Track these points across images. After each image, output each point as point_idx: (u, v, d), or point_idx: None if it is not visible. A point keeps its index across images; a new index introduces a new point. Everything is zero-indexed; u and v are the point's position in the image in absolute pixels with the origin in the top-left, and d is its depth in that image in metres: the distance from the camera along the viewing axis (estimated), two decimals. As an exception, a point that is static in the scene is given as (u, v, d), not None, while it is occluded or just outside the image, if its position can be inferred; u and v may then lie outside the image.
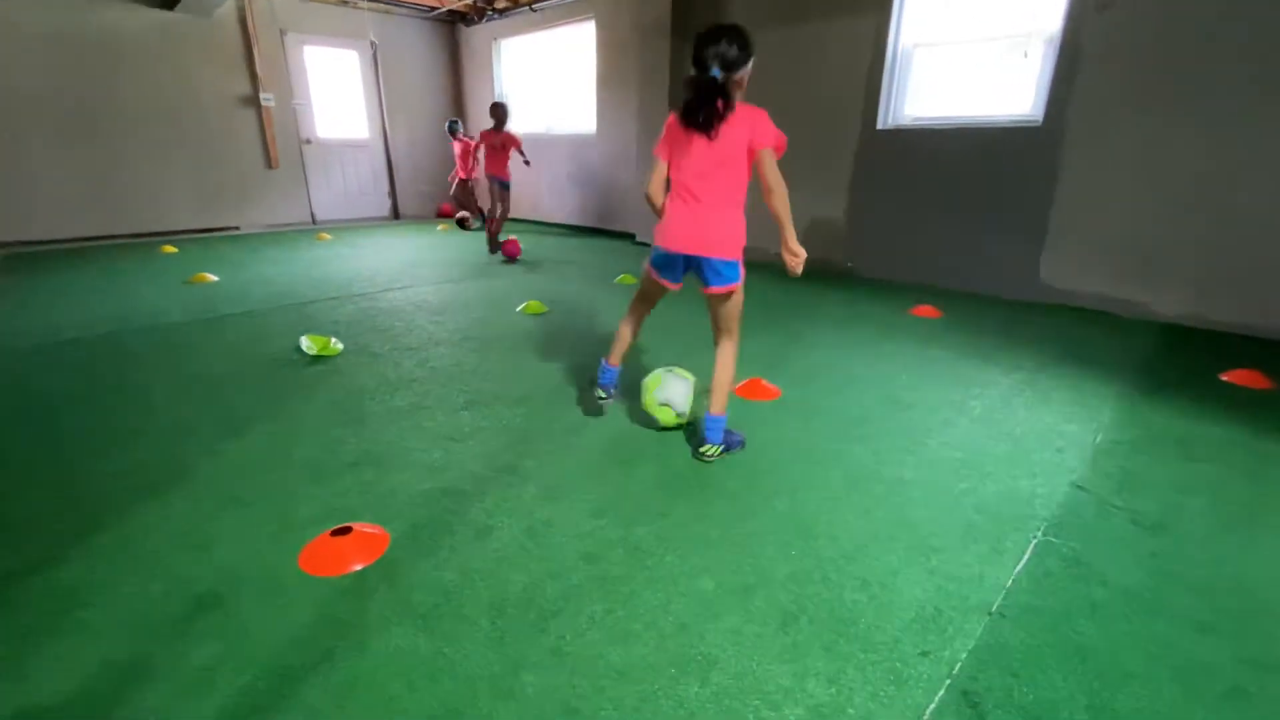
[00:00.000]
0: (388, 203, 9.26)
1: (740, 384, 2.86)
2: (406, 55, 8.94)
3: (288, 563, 1.66)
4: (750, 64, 1.98)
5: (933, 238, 5.05)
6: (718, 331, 2.23)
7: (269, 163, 7.87)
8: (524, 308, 4.26)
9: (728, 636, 1.42)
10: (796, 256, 2.02)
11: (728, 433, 2.25)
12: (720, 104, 1.94)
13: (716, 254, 2.06)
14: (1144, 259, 4.08)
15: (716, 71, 1.90)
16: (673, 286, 2.21)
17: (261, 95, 7.56)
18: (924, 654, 1.38)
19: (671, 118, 2.09)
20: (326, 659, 1.35)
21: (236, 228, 7.82)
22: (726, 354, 2.22)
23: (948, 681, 1.31)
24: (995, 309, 4.38)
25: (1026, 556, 1.72)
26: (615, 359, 2.41)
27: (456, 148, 7.93)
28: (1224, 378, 3.06)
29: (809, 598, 1.55)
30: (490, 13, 8.57)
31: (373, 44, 8.47)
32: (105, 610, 1.48)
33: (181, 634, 1.41)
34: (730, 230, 2.07)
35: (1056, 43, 4.20)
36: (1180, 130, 3.82)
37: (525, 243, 7.04)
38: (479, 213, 8.39)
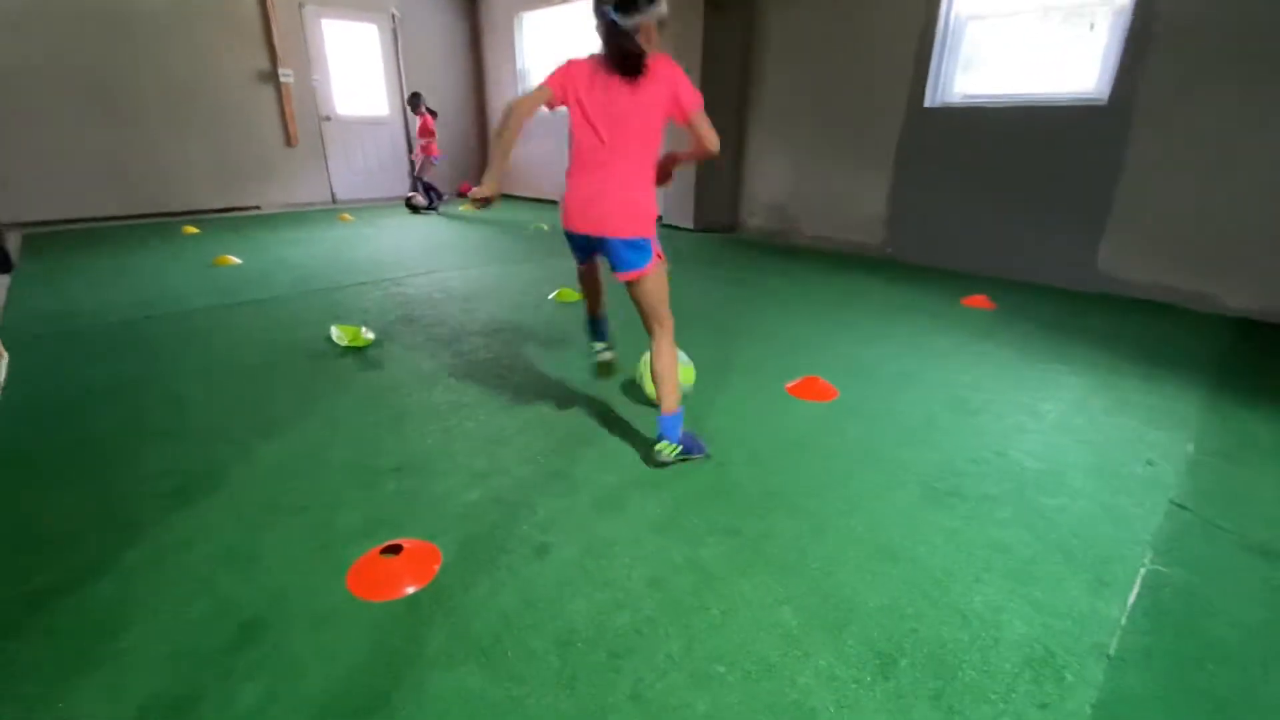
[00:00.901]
0: (408, 181, 9.08)
1: (796, 382, 2.70)
2: (426, 29, 8.69)
3: (335, 584, 1.54)
4: (664, 7, 1.74)
5: (981, 223, 4.81)
6: (644, 321, 2.02)
7: (288, 140, 7.72)
8: (556, 295, 4.11)
9: (822, 681, 1.29)
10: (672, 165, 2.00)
11: (687, 435, 2.04)
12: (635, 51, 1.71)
13: (619, 233, 1.83)
14: (1214, 248, 3.83)
15: (614, 14, 1.67)
16: (581, 267, 2.09)
17: (280, 71, 7.39)
18: (1043, 707, 1.24)
19: (581, 60, 1.81)
20: (384, 703, 1.23)
21: (258, 207, 7.70)
22: (659, 345, 2.00)
23: (1076, 741, 1.17)
24: (1050, 299, 4.16)
25: (1136, 588, 1.57)
26: (594, 309, 2.28)
27: (419, 124, 7.56)
28: (1311, 379, 2.85)
29: (904, 635, 1.41)
30: (512, -17, 8.27)
31: (394, 15, 8.23)
32: (144, 637, 1.38)
33: (227, 669, 1.30)
34: (636, 206, 1.84)
35: (1127, 14, 3.90)
36: (1259, 112, 3.54)
37: (549, 223, 6.87)
38: (438, 194, 7.88)
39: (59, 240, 5.82)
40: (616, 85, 1.77)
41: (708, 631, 1.41)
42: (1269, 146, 3.55)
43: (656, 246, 1.91)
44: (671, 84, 1.78)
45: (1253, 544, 1.74)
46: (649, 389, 2.26)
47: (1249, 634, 1.43)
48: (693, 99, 1.81)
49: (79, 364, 2.91)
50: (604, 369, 2.45)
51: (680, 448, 2.01)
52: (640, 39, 1.73)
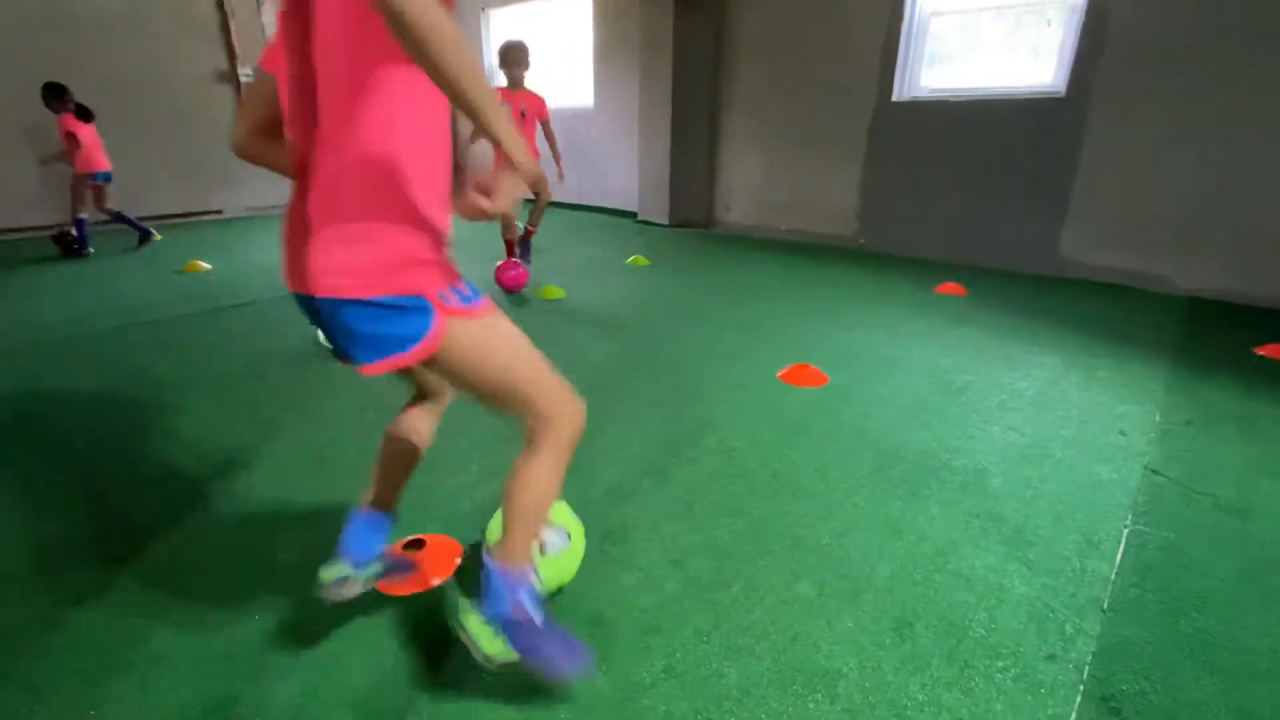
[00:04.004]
0: (375, 182, 8.93)
1: (787, 369, 2.78)
2: (389, 26, 8.54)
3: (358, 580, 1.55)
4: None
5: (950, 213, 4.99)
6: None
7: (250, 142, 7.50)
8: (540, 292, 4.12)
9: (845, 646, 1.36)
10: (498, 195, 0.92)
11: (536, 629, 1.12)
12: None
13: (327, 289, 0.93)
14: (1167, 232, 4.06)
15: None
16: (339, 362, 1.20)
17: (240, 70, 7.18)
18: (1050, 658, 1.33)
19: None
20: (425, 689, 1.25)
21: (220, 211, 7.48)
22: (526, 453, 1.13)
23: (1082, 687, 1.26)
24: (1018, 284, 4.34)
25: (1122, 547, 1.68)
26: (370, 497, 1.35)
27: (60, 127, 5.11)
28: (1259, 352, 3.05)
29: (916, 600, 1.49)
30: (477, -19, 8.18)
31: (354, 15, 8.07)
32: (169, 642, 1.37)
33: (260, 668, 1.30)
34: (364, 232, 0.92)
35: (1081, 11, 4.09)
36: (1208, 101, 3.76)
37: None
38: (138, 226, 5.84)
39: (13, 250, 5.57)
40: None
41: (731, 607, 1.47)
42: (1216, 135, 3.78)
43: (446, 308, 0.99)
44: None
45: (1224, 503, 1.87)
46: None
47: (1227, 584, 1.55)
48: None
49: (56, 378, 2.82)
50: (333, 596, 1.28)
51: (510, 645, 1.11)
52: None
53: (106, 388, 2.68)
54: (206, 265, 4.85)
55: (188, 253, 5.31)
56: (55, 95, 5.08)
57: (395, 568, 1.43)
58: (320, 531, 1.73)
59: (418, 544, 1.60)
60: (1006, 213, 4.68)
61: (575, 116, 7.80)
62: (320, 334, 3.21)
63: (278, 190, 7.88)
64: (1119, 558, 1.64)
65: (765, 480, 1.99)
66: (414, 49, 0.76)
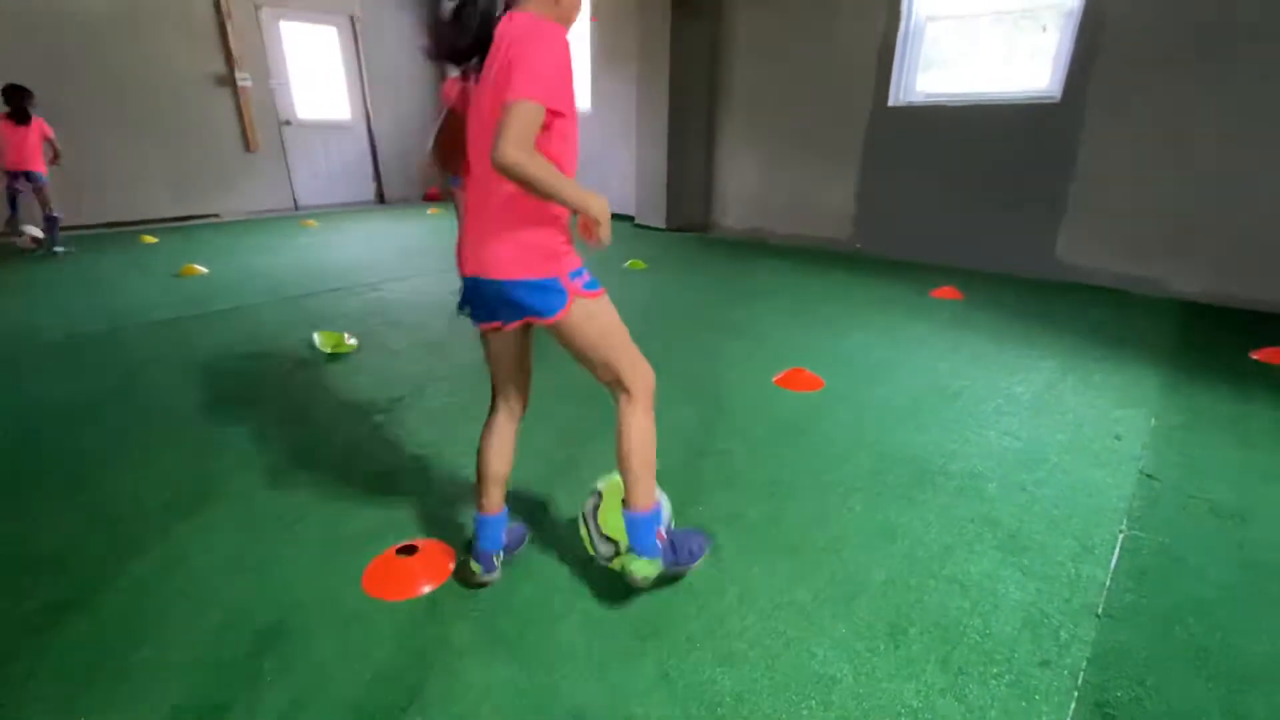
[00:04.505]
0: (372, 186, 8.93)
1: (783, 373, 2.78)
2: (387, 31, 8.56)
3: (351, 586, 1.55)
4: None
5: (946, 217, 5.00)
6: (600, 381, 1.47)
7: (248, 146, 7.50)
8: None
9: (839, 652, 1.35)
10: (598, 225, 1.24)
11: (674, 539, 1.48)
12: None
13: (497, 274, 1.29)
14: (1162, 236, 4.07)
15: None
16: (485, 327, 1.43)
17: (237, 75, 7.18)
18: (1044, 664, 1.33)
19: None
20: (417, 697, 1.24)
21: (217, 215, 7.47)
22: (622, 413, 1.45)
23: (1076, 693, 1.26)
24: (1013, 288, 4.35)
25: (1117, 552, 1.68)
26: (487, 502, 1.53)
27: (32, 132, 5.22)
28: (1255, 356, 3.06)
29: (911, 606, 1.48)
30: (475, -15, 8.20)
31: (353, 18, 8.09)
32: (161, 650, 1.36)
33: (251, 676, 1.29)
34: (517, 237, 1.27)
35: (1076, 17, 4.11)
36: (1202, 106, 3.78)
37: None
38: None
39: (9, 253, 5.55)
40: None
41: (726, 612, 1.46)
42: (1210, 141, 3.79)
43: (574, 291, 1.33)
44: (508, 46, 1.16)
45: (1219, 508, 1.87)
46: (584, 537, 1.55)
47: (1222, 590, 1.55)
48: (517, 78, 1.12)
49: (52, 380, 2.81)
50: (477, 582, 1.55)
51: (661, 562, 1.44)
52: None
53: (99, 391, 2.67)
54: (203, 269, 4.84)
55: (186, 256, 5.30)
56: (20, 95, 5.13)
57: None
58: (314, 536, 1.73)
59: (410, 549, 1.60)
60: (1002, 217, 4.70)
61: (573, 121, 7.80)
62: (316, 337, 3.17)
63: (274, 195, 7.88)
64: (1114, 563, 1.64)
65: (761, 485, 1.99)
66: (513, 180, 1.14)
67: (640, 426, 1.44)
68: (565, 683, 1.27)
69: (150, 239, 6.15)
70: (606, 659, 1.33)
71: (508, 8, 1.23)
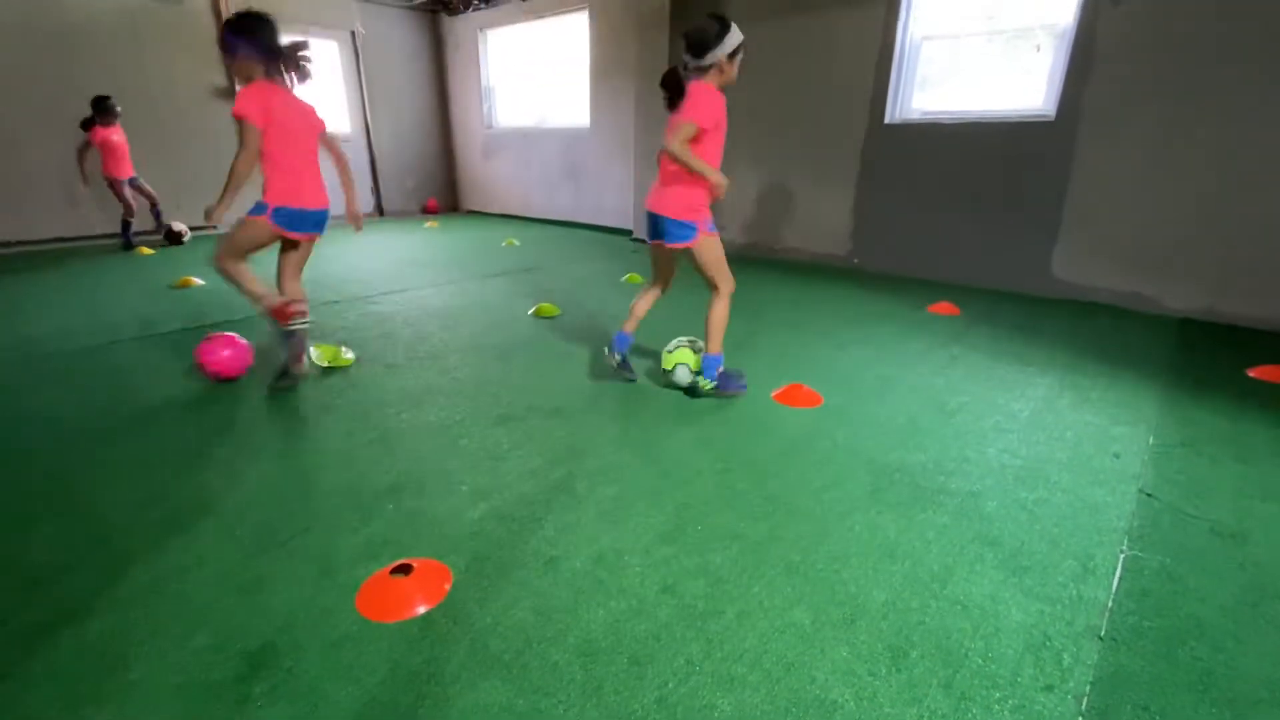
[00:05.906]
0: (371, 199, 8.97)
1: (781, 389, 2.78)
2: (387, 46, 8.64)
3: (344, 606, 1.52)
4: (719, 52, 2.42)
5: (942, 233, 5.02)
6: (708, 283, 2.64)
7: (247, 158, 7.53)
8: (535, 310, 4.11)
9: (839, 676, 1.33)
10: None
11: (725, 375, 2.67)
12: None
13: (663, 212, 2.51)
14: (1157, 254, 4.10)
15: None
16: (652, 244, 2.67)
17: (238, 88, 7.22)
18: (1048, 689, 1.31)
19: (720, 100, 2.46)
20: (411, 721, 1.22)
21: (215, 226, 7.47)
22: (713, 301, 2.61)
23: (1080, 718, 1.24)
24: (1009, 304, 4.37)
25: (1119, 573, 1.66)
26: (628, 325, 2.83)
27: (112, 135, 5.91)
28: (1252, 373, 3.07)
29: (912, 628, 1.47)
30: (476, 2, 8.30)
31: (354, 33, 8.16)
32: (151, 670, 1.33)
33: (242, 698, 1.27)
34: (677, 193, 2.50)
35: (1070, 37, 4.17)
36: (1195, 125, 3.82)
37: (519, 238, 6.83)
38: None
39: (5, 264, 5.54)
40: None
41: (725, 634, 1.44)
42: (1203, 158, 3.83)
43: (702, 230, 2.49)
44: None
45: (1219, 527, 1.86)
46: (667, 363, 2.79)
47: (1224, 611, 1.53)
48: (679, 113, 2.40)
49: (48, 394, 2.78)
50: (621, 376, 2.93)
51: (715, 384, 2.65)
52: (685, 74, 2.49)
53: (92, 405, 2.65)
54: (200, 281, 4.83)
55: (182, 268, 5.30)
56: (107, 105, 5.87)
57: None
58: (306, 554, 1.70)
59: (405, 569, 1.57)
60: (998, 233, 4.72)
61: (572, 136, 7.87)
62: (312, 351, 3.20)
63: (274, 206, 7.88)
64: (1115, 583, 1.62)
65: (760, 503, 1.97)
66: (675, 161, 2.39)
67: (720, 308, 2.61)
68: (560, 707, 1.25)
69: (147, 250, 6.14)
70: (603, 683, 1.31)
71: (694, 76, 2.43)
